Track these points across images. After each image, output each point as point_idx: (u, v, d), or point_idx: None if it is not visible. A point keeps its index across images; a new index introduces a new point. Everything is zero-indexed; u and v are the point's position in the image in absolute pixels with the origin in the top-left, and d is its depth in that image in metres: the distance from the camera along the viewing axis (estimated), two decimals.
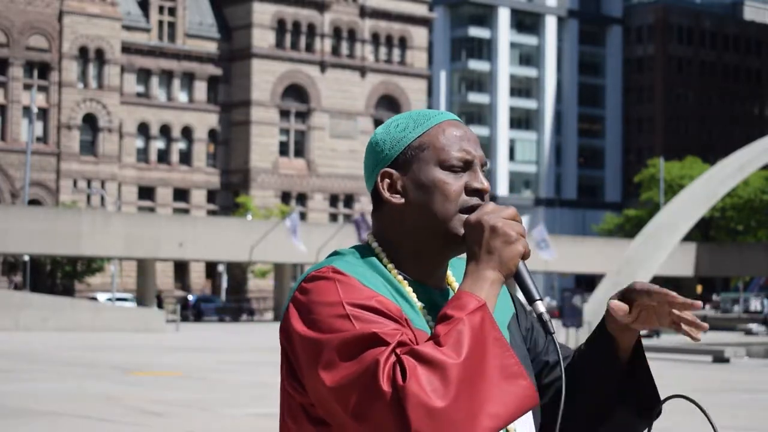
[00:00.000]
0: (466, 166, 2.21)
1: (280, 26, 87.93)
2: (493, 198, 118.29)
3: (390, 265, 2.20)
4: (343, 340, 1.98)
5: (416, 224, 2.18)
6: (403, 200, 2.20)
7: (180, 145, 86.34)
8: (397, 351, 1.96)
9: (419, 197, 2.18)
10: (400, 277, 2.19)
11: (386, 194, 2.21)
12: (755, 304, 78.50)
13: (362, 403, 1.94)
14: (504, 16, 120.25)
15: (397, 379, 1.92)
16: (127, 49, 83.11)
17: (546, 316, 2.08)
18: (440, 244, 2.18)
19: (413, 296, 2.17)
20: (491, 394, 1.95)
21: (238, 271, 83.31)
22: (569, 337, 38.19)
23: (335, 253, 2.22)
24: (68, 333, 45.72)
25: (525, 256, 2.11)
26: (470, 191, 2.20)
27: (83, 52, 79.99)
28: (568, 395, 2.26)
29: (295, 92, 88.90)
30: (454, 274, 2.32)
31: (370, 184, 2.26)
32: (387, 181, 2.22)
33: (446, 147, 2.21)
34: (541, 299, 2.10)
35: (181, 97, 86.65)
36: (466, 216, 2.16)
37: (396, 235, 2.22)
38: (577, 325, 36.61)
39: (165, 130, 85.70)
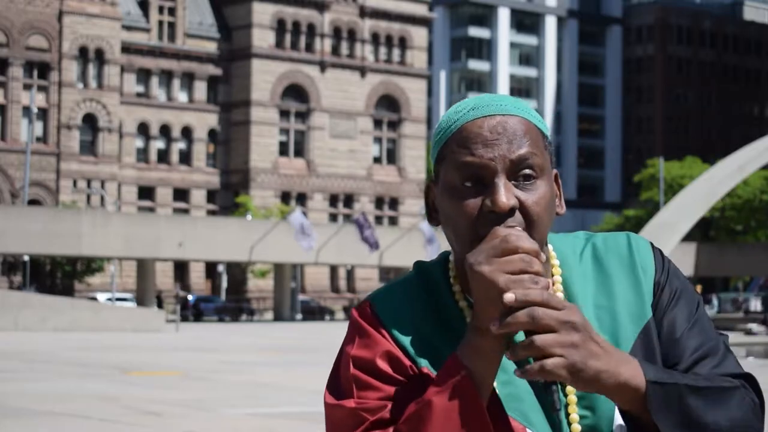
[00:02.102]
0: (483, 177, 1.75)
1: (280, 26, 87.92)
2: None
3: (456, 287, 1.86)
4: (334, 409, 1.84)
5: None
6: (438, 223, 1.85)
7: (180, 145, 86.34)
8: None
9: (444, 225, 1.82)
10: (464, 304, 1.85)
11: (427, 214, 1.89)
12: (755, 304, 78.54)
13: None
14: (504, 16, 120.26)
15: None
16: (126, 49, 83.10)
17: (556, 405, 1.73)
18: None
19: None
20: None
21: (237, 271, 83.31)
22: None
23: (415, 264, 1.93)
24: (68, 333, 45.71)
25: (531, 301, 1.66)
26: (485, 214, 1.75)
27: (83, 52, 79.98)
28: None
29: (295, 92, 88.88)
30: (567, 271, 1.90)
31: None
32: (431, 195, 1.88)
33: (456, 156, 1.77)
34: None
35: (181, 97, 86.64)
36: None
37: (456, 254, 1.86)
38: None
39: (165, 130, 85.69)
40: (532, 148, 1.76)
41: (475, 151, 1.75)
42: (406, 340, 1.82)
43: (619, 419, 1.80)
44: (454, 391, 1.69)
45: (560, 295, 1.86)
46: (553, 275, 1.88)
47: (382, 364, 1.80)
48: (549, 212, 1.78)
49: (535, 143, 1.77)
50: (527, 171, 1.75)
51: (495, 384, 1.77)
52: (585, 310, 1.84)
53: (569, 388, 1.80)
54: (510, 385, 1.80)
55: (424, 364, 1.80)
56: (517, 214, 1.74)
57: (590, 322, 1.77)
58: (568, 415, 1.80)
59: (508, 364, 1.79)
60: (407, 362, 1.80)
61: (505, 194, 1.72)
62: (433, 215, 1.86)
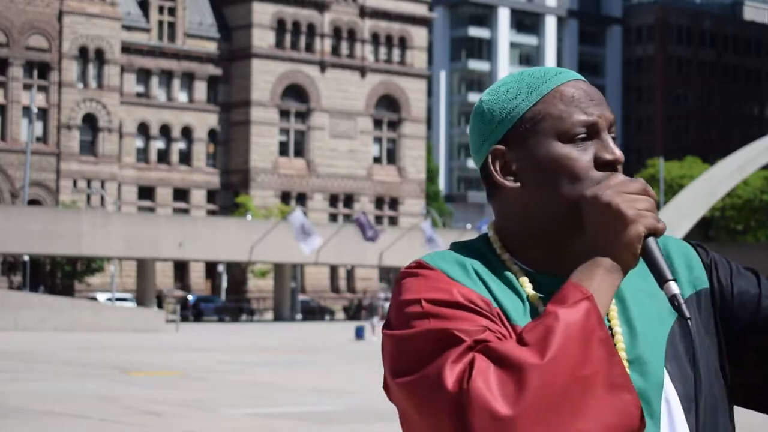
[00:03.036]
0: (592, 132, 1.85)
1: (280, 26, 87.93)
2: None
3: (505, 255, 1.88)
4: (413, 337, 1.74)
5: (539, 209, 1.85)
6: (518, 184, 1.87)
7: (180, 145, 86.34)
8: (475, 350, 1.70)
9: (540, 179, 1.85)
10: (516, 268, 1.87)
11: (499, 178, 1.88)
12: None
13: (426, 404, 1.70)
14: (504, 16, 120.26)
15: (463, 380, 1.66)
16: (126, 49, 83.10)
17: (680, 299, 1.70)
18: (568, 229, 1.84)
19: (527, 287, 1.85)
20: (584, 405, 1.65)
21: (237, 271, 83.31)
22: None
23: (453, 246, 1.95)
24: (68, 333, 45.71)
25: (655, 233, 1.75)
26: (601, 164, 1.83)
27: (83, 52, 79.99)
28: None
29: (295, 92, 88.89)
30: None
31: (478, 160, 1.92)
32: (499, 161, 1.88)
33: (565, 114, 1.85)
34: (674, 280, 1.73)
35: (181, 97, 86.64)
36: None
37: (515, 222, 1.88)
38: None
39: (165, 130, 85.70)
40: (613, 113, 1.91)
41: (585, 108, 1.85)
42: (469, 283, 1.82)
43: (669, 389, 1.83)
44: (580, 310, 1.69)
45: None
46: None
47: (460, 298, 1.77)
48: None
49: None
50: (613, 133, 1.89)
51: None
52: (627, 293, 1.89)
53: (620, 346, 1.82)
54: None
55: (496, 306, 1.80)
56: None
57: (631, 306, 1.87)
58: None
59: None
60: (485, 297, 1.80)
61: (615, 148, 1.85)
62: (506, 179, 1.88)
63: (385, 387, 1.83)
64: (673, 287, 1.72)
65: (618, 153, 1.83)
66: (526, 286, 1.85)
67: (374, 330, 46.78)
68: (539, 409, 1.62)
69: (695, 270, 1.96)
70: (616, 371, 1.67)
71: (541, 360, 1.64)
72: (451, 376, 1.67)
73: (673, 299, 1.71)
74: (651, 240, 1.75)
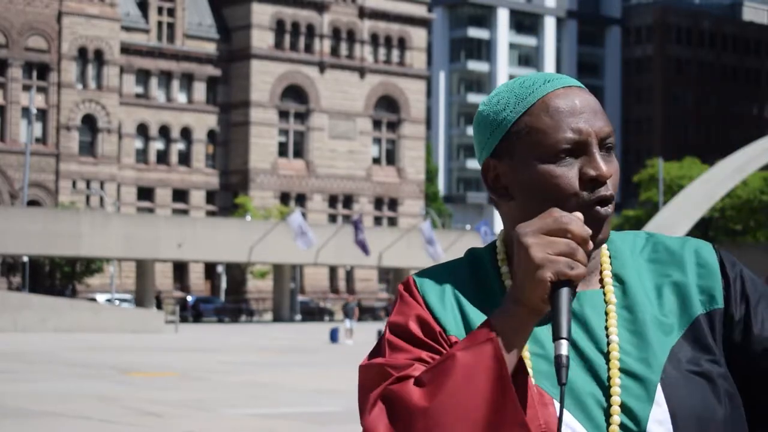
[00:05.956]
0: (579, 149, 1.76)
1: (279, 27, 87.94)
2: None
3: (504, 269, 1.85)
4: (362, 367, 1.81)
5: None
6: (510, 200, 1.82)
7: (179, 146, 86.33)
8: (384, 389, 1.74)
9: (527, 197, 1.79)
10: (510, 283, 1.82)
11: (491, 192, 1.85)
12: None
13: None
14: (503, 16, 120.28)
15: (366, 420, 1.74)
16: (126, 49, 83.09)
17: (563, 361, 1.61)
18: None
19: None
20: None
21: (237, 272, 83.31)
22: None
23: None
24: (67, 334, 45.72)
25: (569, 280, 1.64)
26: (585, 181, 1.75)
27: (82, 52, 79.98)
28: None
29: (294, 93, 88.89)
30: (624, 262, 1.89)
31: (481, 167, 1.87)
32: (490, 174, 1.84)
33: (549, 129, 1.77)
34: (567, 339, 1.63)
35: (180, 97, 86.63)
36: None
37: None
38: None
39: (164, 131, 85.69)
40: (609, 123, 1.80)
41: (572, 124, 1.76)
42: (439, 308, 1.83)
43: (659, 406, 1.76)
44: (481, 350, 1.66)
45: (611, 288, 1.84)
46: (603, 269, 1.87)
47: (414, 327, 1.80)
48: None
49: (608, 118, 1.82)
50: (609, 144, 1.79)
51: (528, 355, 1.78)
52: (641, 295, 1.84)
53: (613, 355, 1.79)
54: (542, 359, 1.79)
55: (454, 333, 1.81)
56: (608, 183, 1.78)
57: (650, 301, 1.83)
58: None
59: (542, 337, 1.79)
60: (437, 328, 1.80)
61: (602, 163, 1.76)
62: (500, 192, 1.84)
63: None
64: (563, 346, 1.61)
65: (603, 169, 1.75)
66: None
67: (348, 333, 45.22)
68: None
69: (713, 287, 1.86)
70: (507, 413, 1.64)
71: (427, 404, 1.66)
72: (367, 413, 1.72)
73: (557, 359, 1.61)
74: (564, 290, 1.64)
